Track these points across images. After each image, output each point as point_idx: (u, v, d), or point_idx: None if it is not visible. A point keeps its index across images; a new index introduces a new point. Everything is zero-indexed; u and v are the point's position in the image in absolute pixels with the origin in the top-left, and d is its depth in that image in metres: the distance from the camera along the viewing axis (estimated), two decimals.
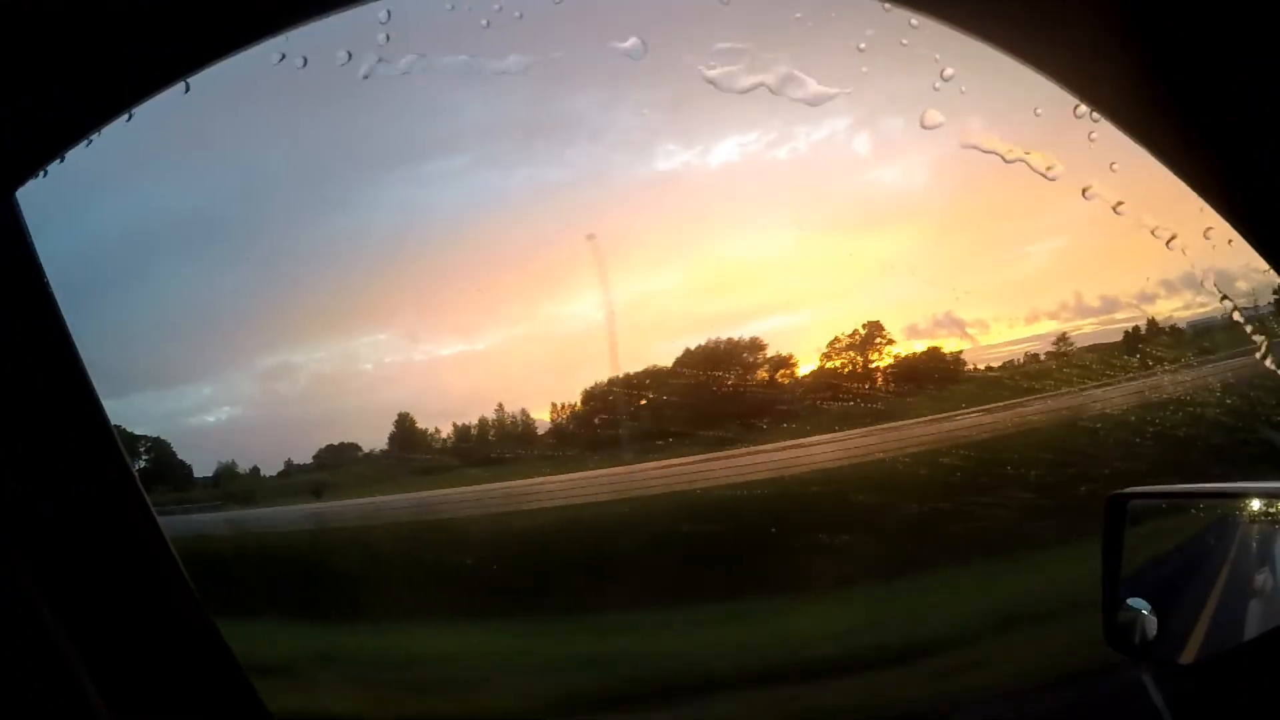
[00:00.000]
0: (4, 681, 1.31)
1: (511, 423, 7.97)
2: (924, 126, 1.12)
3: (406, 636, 4.68)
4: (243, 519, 7.44)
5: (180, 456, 8.23)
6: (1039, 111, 1.07)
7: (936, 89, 1.11)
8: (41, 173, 1.36)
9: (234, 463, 8.37)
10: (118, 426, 1.56)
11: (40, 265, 1.35)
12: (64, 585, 1.39)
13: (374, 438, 8.36)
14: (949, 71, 1.11)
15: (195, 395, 9.63)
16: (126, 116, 1.31)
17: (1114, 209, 1.13)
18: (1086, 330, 6.69)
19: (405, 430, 8.14)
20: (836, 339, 7.32)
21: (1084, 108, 0.82)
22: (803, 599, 4.44)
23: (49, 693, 1.34)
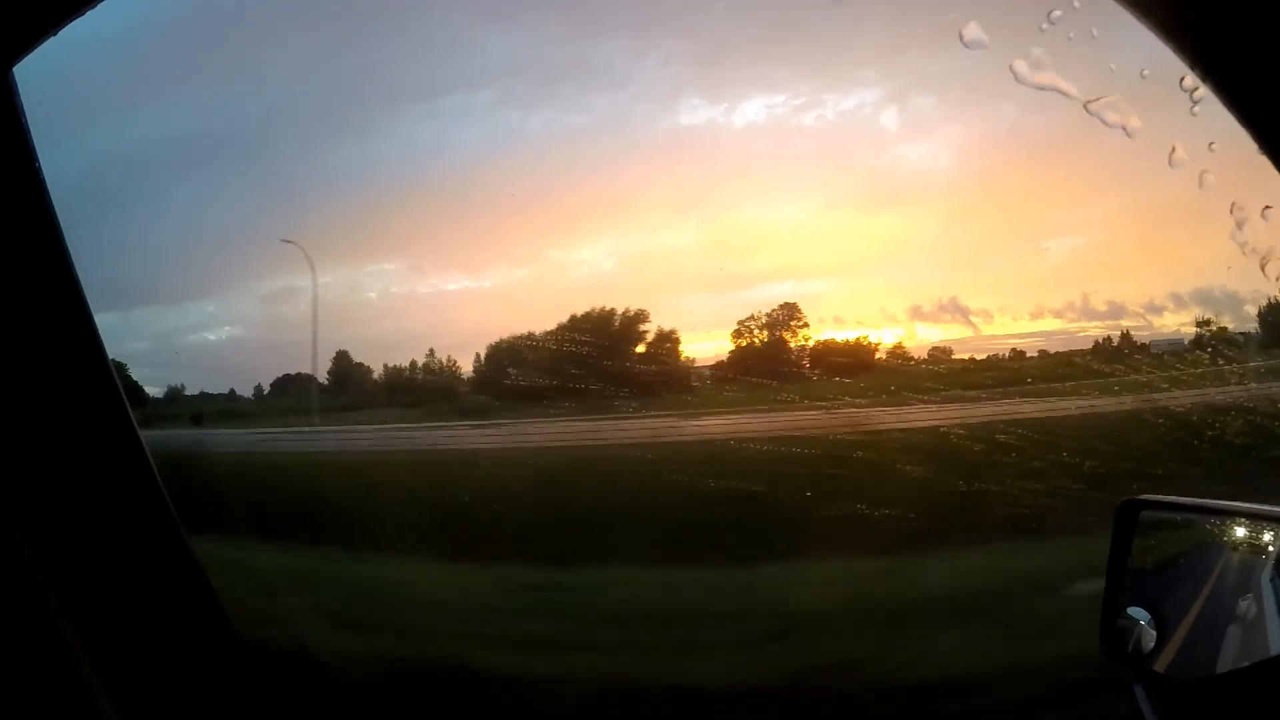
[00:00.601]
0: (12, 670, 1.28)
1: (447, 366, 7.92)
2: (964, 42, 1.02)
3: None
4: (227, 439, 7.45)
5: (177, 372, 8.25)
6: (1145, 74, 0.98)
7: (1043, 29, 1.02)
8: (39, 46, 1.27)
9: (228, 384, 8.37)
10: (117, 361, 1.48)
11: (32, 144, 1.28)
12: (73, 575, 1.34)
13: (368, 367, 8.35)
14: (1057, 14, 1.02)
15: (197, 313, 9.64)
16: None
17: (1200, 178, 1.06)
18: (1091, 332, 6.63)
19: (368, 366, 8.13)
20: (837, 315, 7.26)
21: (1192, 80, 0.74)
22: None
23: (53, 680, 1.30)
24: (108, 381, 1.44)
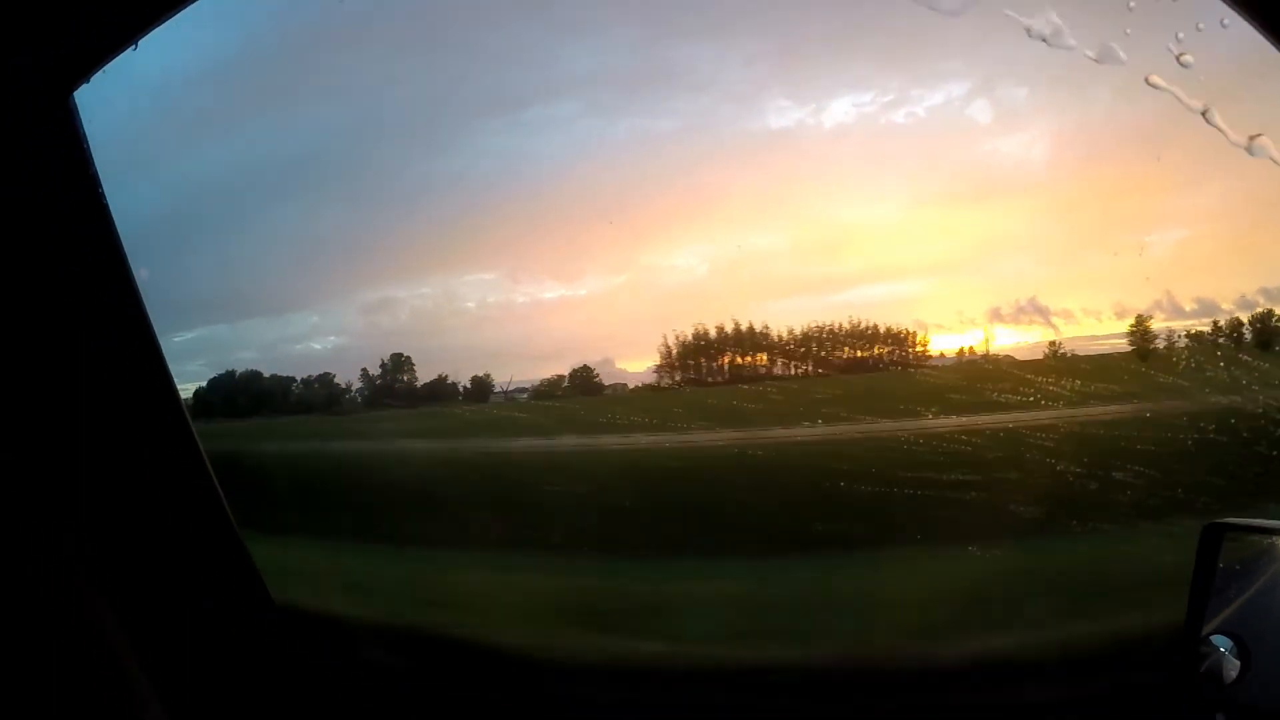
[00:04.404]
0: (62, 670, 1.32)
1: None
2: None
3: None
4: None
5: (285, 380, 8.74)
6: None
7: (1131, 8, 0.95)
8: (99, 72, 1.29)
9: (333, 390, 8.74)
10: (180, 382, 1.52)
11: (95, 171, 1.30)
12: (120, 569, 1.38)
13: (466, 377, 8.68)
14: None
15: (302, 323, 10.09)
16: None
17: None
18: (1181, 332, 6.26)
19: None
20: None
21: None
22: None
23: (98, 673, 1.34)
24: (167, 391, 1.47)
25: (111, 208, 1.33)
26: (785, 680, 2.73)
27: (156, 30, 1.29)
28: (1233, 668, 1.40)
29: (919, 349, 7.42)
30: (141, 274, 1.41)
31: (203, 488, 1.49)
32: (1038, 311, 6.52)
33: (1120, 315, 6.67)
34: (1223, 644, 1.41)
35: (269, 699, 1.60)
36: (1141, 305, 6.49)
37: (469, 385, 8.13)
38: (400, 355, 8.45)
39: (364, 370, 8.48)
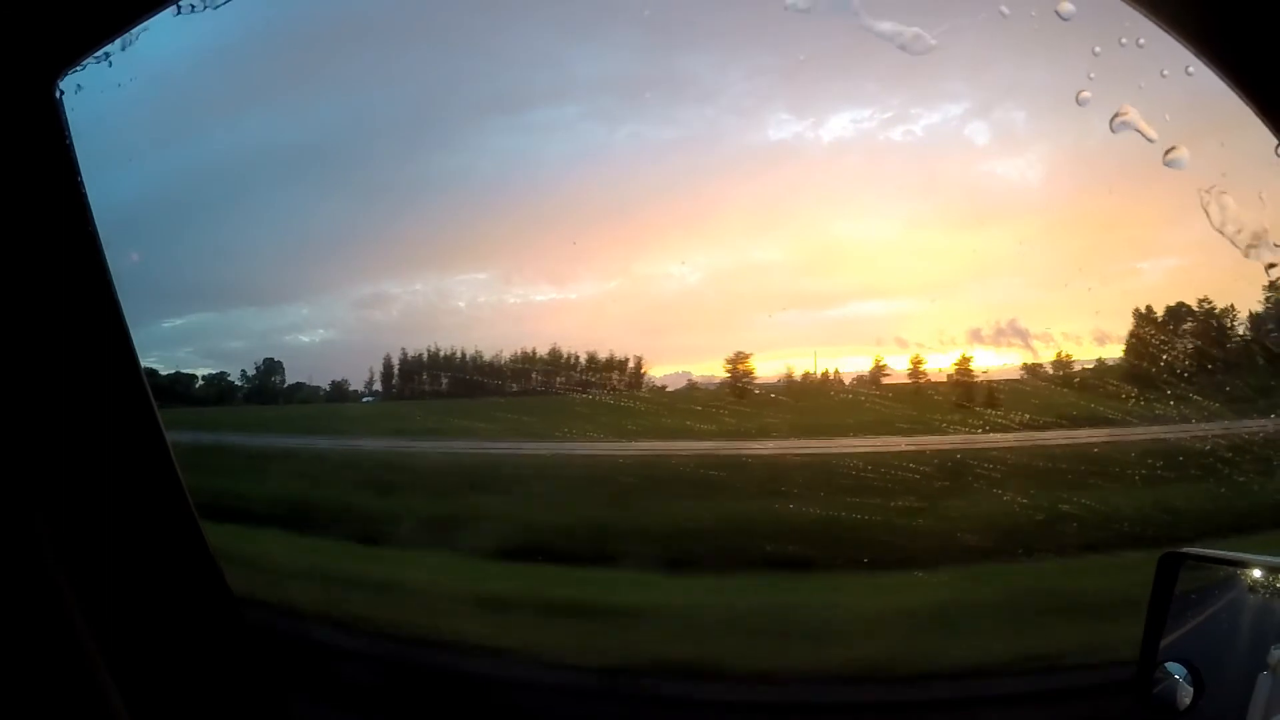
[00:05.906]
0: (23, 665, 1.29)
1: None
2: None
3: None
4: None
5: (274, 370, 8.65)
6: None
7: (1096, 53, 0.99)
8: (89, 61, 1.28)
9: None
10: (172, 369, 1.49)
11: (75, 157, 1.28)
12: (90, 569, 1.36)
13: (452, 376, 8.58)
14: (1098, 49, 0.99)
15: (293, 315, 9.97)
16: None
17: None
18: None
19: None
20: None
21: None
22: None
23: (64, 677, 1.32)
24: (138, 389, 1.45)
25: (108, 194, 1.32)
26: None
27: (152, 17, 1.28)
28: (1186, 694, 1.43)
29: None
30: (133, 258, 1.39)
31: (167, 478, 1.47)
32: (1016, 334, 6.62)
33: (1101, 341, 6.78)
34: (1177, 671, 1.45)
35: (228, 688, 1.57)
36: (1122, 332, 6.60)
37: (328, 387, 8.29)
38: (271, 359, 8.47)
39: (242, 371, 8.48)
